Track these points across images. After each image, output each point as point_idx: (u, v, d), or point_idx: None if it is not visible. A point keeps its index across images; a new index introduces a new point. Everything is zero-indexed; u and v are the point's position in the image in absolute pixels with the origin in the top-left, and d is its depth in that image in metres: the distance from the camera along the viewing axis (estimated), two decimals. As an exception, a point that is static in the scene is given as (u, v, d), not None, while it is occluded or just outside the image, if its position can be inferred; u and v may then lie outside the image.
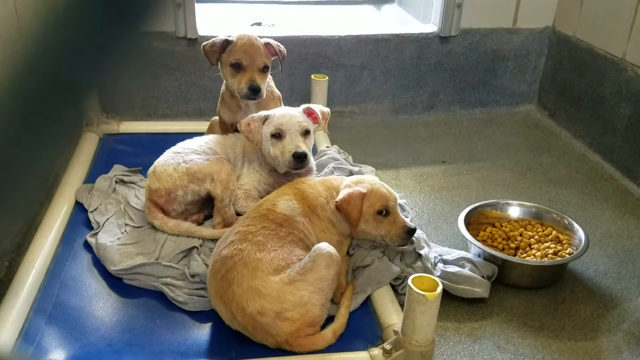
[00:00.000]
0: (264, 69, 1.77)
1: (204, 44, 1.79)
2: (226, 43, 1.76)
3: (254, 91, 1.74)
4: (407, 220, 1.52)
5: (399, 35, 2.52)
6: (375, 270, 1.49)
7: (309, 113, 1.70)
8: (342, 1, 3.48)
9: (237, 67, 1.75)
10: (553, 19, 2.58)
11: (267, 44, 1.80)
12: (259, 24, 2.85)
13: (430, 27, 2.56)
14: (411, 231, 1.48)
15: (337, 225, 1.51)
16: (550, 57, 2.62)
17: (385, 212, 1.48)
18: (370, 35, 2.50)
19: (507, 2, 2.53)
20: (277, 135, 1.62)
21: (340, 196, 1.47)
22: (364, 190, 1.47)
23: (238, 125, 1.67)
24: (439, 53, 2.57)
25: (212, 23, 2.59)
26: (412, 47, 2.53)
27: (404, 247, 1.54)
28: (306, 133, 1.64)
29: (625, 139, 2.14)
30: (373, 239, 1.53)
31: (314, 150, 2.05)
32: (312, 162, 1.73)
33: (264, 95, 1.78)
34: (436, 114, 2.66)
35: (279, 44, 1.84)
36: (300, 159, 1.59)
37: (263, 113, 1.66)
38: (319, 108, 1.72)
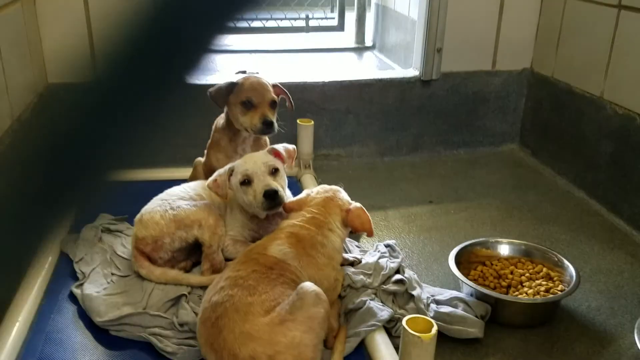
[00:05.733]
0: (273, 104, 1.83)
1: (209, 90, 1.84)
2: (232, 85, 1.82)
3: (268, 125, 1.78)
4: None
5: (381, 80, 2.57)
6: (368, 312, 1.47)
7: (275, 154, 1.71)
8: (324, 49, 3.56)
9: (248, 105, 1.80)
10: (531, 61, 2.66)
11: (274, 85, 1.88)
12: (244, 72, 2.89)
13: (412, 71, 2.63)
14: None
15: (335, 257, 1.52)
16: (529, 97, 2.69)
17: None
18: (354, 81, 2.55)
19: (486, 46, 2.61)
20: (246, 182, 1.61)
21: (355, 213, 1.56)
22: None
23: (207, 184, 1.66)
24: (421, 96, 2.62)
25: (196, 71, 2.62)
26: (394, 91, 2.58)
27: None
28: (275, 171, 1.63)
29: (608, 175, 2.18)
30: None
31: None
32: (289, 198, 1.71)
33: (276, 130, 1.83)
34: (421, 155, 2.69)
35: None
36: (272, 196, 1.58)
37: (228, 166, 1.66)
38: (283, 146, 1.73)
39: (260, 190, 1.58)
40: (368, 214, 1.57)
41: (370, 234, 1.57)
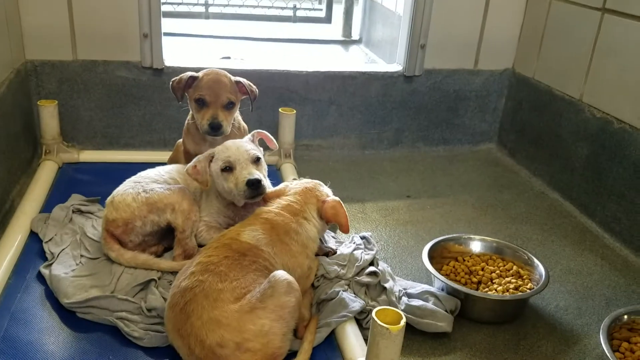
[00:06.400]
0: (229, 105, 1.76)
1: (172, 79, 1.80)
2: (192, 79, 1.77)
3: (214, 128, 1.73)
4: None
5: (365, 73, 2.57)
6: (340, 303, 1.47)
7: (258, 137, 1.72)
8: (311, 40, 3.55)
9: (201, 103, 1.75)
10: (513, 61, 2.68)
11: (237, 82, 1.80)
12: (228, 57, 2.87)
13: (395, 66, 2.63)
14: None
15: (309, 246, 1.51)
16: (510, 97, 2.71)
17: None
18: (338, 72, 2.54)
19: (469, 45, 2.62)
20: (228, 169, 1.59)
21: (330, 204, 1.55)
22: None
23: (185, 170, 1.63)
24: (404, 91, 2.62)
25: (180, 55, 2.59)
26: (377, 85, 2.58)
27: None
28: (257, 160, 1.62)
29: (583, 178, 2.21)
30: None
31: (280, 183, 2.04)
32: (270, 188, 1.70)
33: (227, 132, 1.77)
34: (401, 150, 2.69)
35: (250, 83, 1.84)
36: (254, 186, 1.56)
37: (208, 151, 1.64)
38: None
39: (243, 178, 1.56)
40: (345, 210, 1.56)
41: (344, 230, 1.56)
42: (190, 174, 1.61)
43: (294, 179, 2.13)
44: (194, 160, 1.63)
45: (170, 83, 1.80)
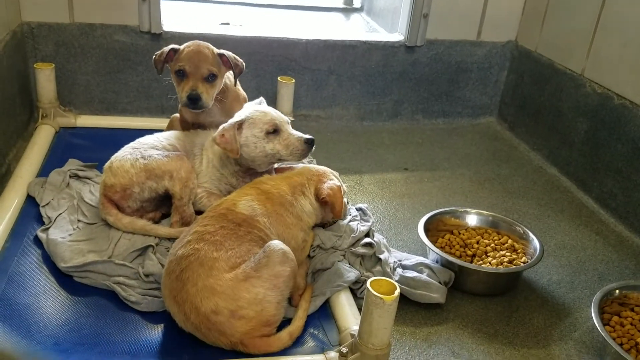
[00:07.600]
0: (210, 77, 1.69)
1: (155, 53, 1.74)
2: (173, 52, 1.71)
3: (193, 100, 1.67)
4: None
5: (365, 42, 2.53)
6: (335, 273, 1.48)
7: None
8: (311, 7, 3.49)
9: (181, 74, 1.69)
10: (516, 34, 2.65)
11: (221, 55, 1.74)
12: (227, 23, 2.82)
13: (397, 36, 2.59)
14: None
15: (304, 219, 1.52)
16: (511, 70, 2.68)
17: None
18: (338, 41, 2.51)
19: (472, 15, 2.58)
20: (274, 131, 1.59)
21: (330, 185, 1.54)
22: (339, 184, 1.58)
23: (212, 139, 1.61)
24: (405, 62, 2.59)
25: (178, 20, 2.55)
26: (378, 55, 2.55)
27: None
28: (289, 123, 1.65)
29: (581, 153, 2.21)
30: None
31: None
32: None
33: (208, 105, 1.70)
34: (400, 122, 2.68)
35: (236, 57, 1.77)
36: (312, 143, 1.61)
37: (234, 120, 1.60)
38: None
39: (299, 137, 1.59)
40: (342, 197, 1.55)
41: (337, 214, 1.54)
42: (218, 143, 1.58)
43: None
44: (220, 129, 1.59)
45: (154, 57, 1.74)
